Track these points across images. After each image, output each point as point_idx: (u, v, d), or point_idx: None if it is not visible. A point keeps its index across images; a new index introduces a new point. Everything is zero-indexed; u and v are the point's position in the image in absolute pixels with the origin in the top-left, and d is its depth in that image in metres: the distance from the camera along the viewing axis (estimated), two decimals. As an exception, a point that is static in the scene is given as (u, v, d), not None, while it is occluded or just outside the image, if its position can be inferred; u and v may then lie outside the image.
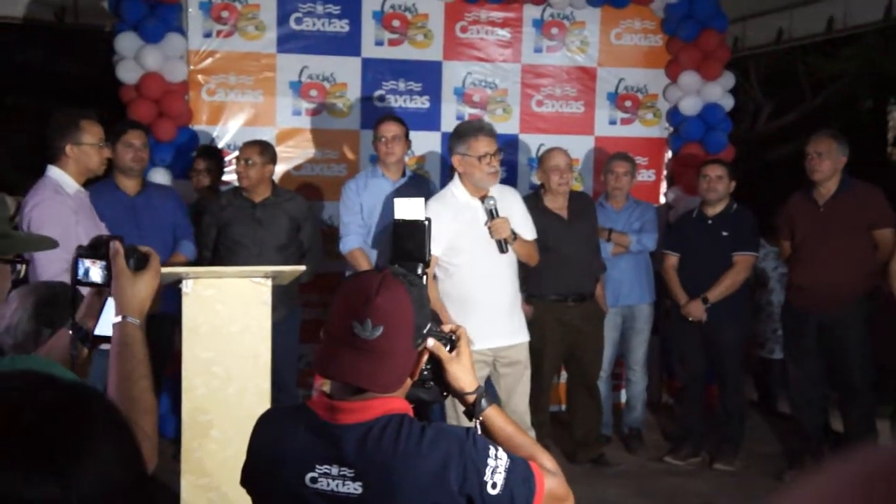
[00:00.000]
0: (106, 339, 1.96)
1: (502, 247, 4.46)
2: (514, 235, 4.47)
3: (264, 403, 3.70)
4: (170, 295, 3.88)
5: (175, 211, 5.15)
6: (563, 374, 5.94)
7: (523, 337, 4.67)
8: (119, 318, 1.89)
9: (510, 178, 6.27)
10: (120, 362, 1.84)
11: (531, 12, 6.45)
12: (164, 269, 3.66)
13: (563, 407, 6.04)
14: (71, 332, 1.98)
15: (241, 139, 5.94)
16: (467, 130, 4.51)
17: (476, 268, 4.49)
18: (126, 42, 5.70)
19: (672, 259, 5.69)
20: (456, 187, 4.53)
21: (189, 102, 5.98)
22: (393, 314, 1.72)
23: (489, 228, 4.44)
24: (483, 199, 4.46)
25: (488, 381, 4.59)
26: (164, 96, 5.76)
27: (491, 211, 4.44)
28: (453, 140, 4.52)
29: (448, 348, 1.86)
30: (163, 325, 4.74)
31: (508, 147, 6.35)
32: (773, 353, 6.58)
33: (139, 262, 1.94)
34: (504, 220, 4.43)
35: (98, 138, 4.08)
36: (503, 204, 4.50)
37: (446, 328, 1.89)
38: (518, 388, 4.62)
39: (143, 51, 5.67)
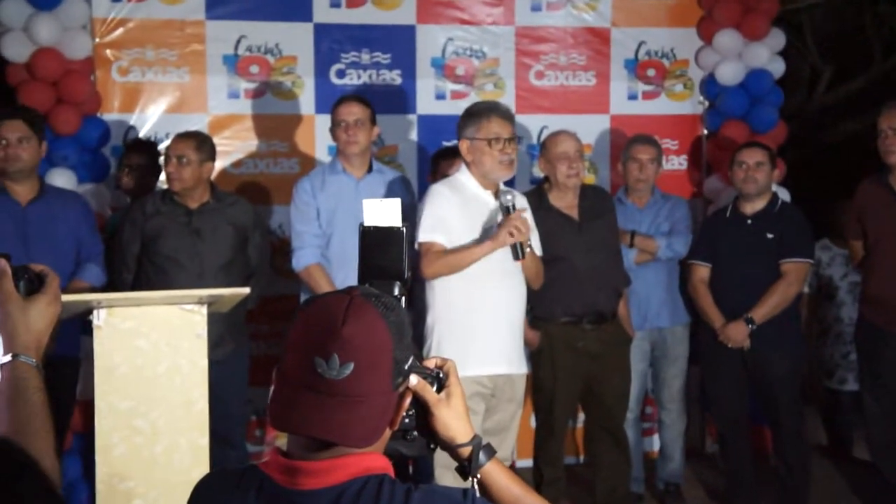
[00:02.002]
0: None
1: (518, 252, 4.55)
2: (530, 242, 4.61)
3: (202, 465, 3.69)
4: (67, 332, 3.86)
5: (79, 224, 5.10)
6: (581, 417, 5.95)
7: (525, 368, 4.86)
8: (7, 358, 1.87)
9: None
10: (11, 413, 1.83)
11: (526, -40, 6.50)
12: (69, 296, 3.67)
13: (582, 458, 6.04)
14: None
15: (165, 129, 5.96)
16: (479, 111, 4.74)
17: (481, 276, 4.57)
18: (12, 9, 5.69)
19: (702, 271, 5.69)
20: (465, 177, 4.72)
21: (96, 84, 5.97)
22: (365, 347, 1.71)
23: (508, 227, 4.50)
24: (497, 193, 4.61)
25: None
26: (64, 77, 5.75)
27: (507, 208, 4.55)
28: (462, 122, 4.74)
29: (435, 387, 1.85)
30: (62, 371, 4.71)
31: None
32: (846, 384, 6.61)
33: (31, 285, 1.93)
34: (524, 219, 4.55)
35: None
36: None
37: (431, 363, 1.89)
38: (510, 430, 4.80)
39: (35, 20, 5.66)
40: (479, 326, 4.61)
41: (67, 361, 4.75)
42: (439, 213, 4.65)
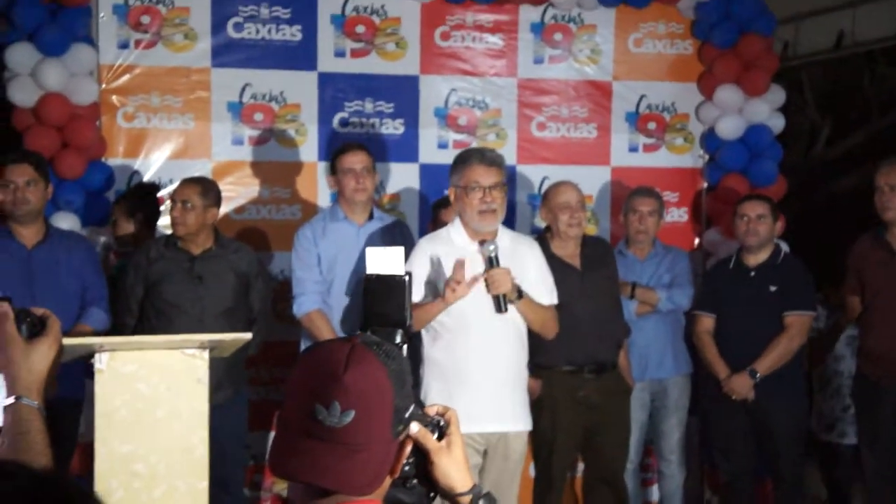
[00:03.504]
0: None
1: (500, 305, 4.50)
2: (520, 293, 4.52)
3: (200, 510, 3.67)
4: (71, 374, 3.86)
5: (84, 267, 5.12)
6: (580, 467, 5.92)
7: (525, 425, 4.73)
8: (11, 400, 1.88)
9: (509, 221, 6.30)
10: (13, 456, 1.82)
11: (529, 14, 6.57)
12: (71, 340, 3.68)
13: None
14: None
15: (168, 175, 6.00)
16: (463, 157, 4.70)
17: (469, 331, 4.54)
18: (20, 55, 5.74)
19: (707, 321, 5.71)
20: (454, 228, 4.67)
21: (101, 130, 6.01)
22: (366, 395, 1.71)
23: (485, 280, 4.47)
24: (482, 243, 4.52)
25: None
26: (70, 122, 5.79)
27: (490, 259, 4.49)
28: (451, 169, 4.73)
29: (435, 435, 1.85)
30: (64, 413, 4.71)
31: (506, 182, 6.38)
32: (845, 438, 6.58)
33: (34, 328, 1.94)
34: (504, 270, 4.47)
35: (-17, 177, 4.08)
36: (514, 256, 4.58)
37: (432, 410, 1.89)
38: (510, 490, 4.69)
39: (43, 66, 5.70)
40: (467, 381, 4.53)
41: (70, 403, 4.74)
42: (413, 268, 4.56)
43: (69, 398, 4.34)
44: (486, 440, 4.59)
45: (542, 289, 4.73)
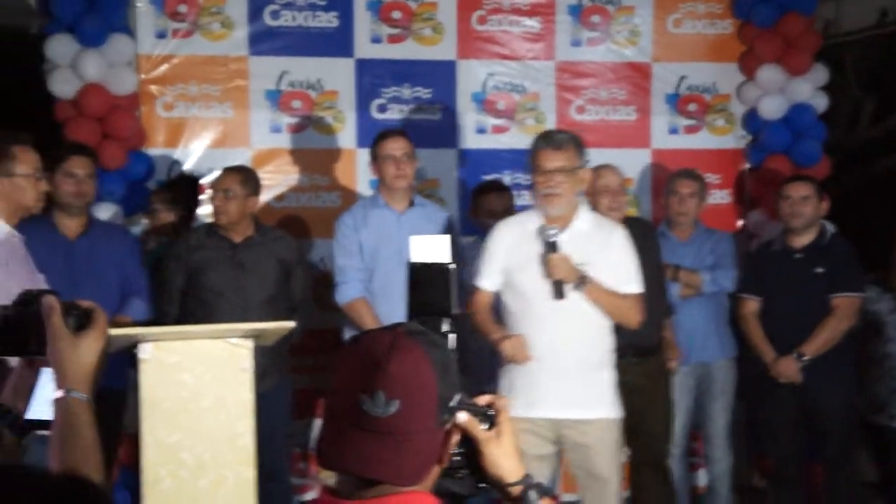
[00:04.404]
0: (42, 424, 1.94)
1: (557, 291, 4.43)
2: (583, 279, 4.41)
3: (248, 499, 3.69)
4: (114, 364, 3.88)
5: (126, 258, 5.16)
6: (625, 451, 5.89)
7: (602, 413, 4.56)
8: (61, 393, 1.87)
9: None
10: (64, 451, 1.83)
11: (566, -4, 6.51)
12: (116, 331, 3.69)
13: (627, 492, 5.98)
14: (-6, 418, 1.97)
15: (207, 164, 6.01)
16: (534, 140, 4.64)
17: (532, 316, 4.50)
18: (60, 46, 5.77)
19: (752, 304, 5.66)
20: (533, 212, 4.61)
21: (141, 120, 6.03)
22: (410, 384, 1.70)
23: (544, 266, 4.44)
24: (542, 228, 4.46)
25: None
26: (110, 113, 5.82)
27: (549, 243, 4.42)
28: None
29: (485, 425, 1.84)
30: (108, 403, 4.72)
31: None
32: (895, 421, 6.50)
33: (80, 321, 1.94)
34: (561, 256, 4.39)
35: (34, 168, 4.11)
36: (591, 241, 4.49)
37: (482, 400, 1.87)
38: (602, 481, 4.55)
39: (82, 57, 5.73)
40: (529, 366, 4.49)
41: (113, 393, 4.77)
42: (488, 254, 4.63)
43: (112, 388, 4.35)
44: (554, 427, 4.51)
45: (621, 276, 4.55)
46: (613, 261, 4.54)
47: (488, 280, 4.63)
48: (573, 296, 4.43)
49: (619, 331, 5.13)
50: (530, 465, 4.40)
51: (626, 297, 4.55)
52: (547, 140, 4.56)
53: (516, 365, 4.52)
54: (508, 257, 4.56)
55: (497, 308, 4.67)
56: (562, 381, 4.47)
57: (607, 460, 4.55)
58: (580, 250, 4.45)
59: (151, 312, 5.17)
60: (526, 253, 4.50)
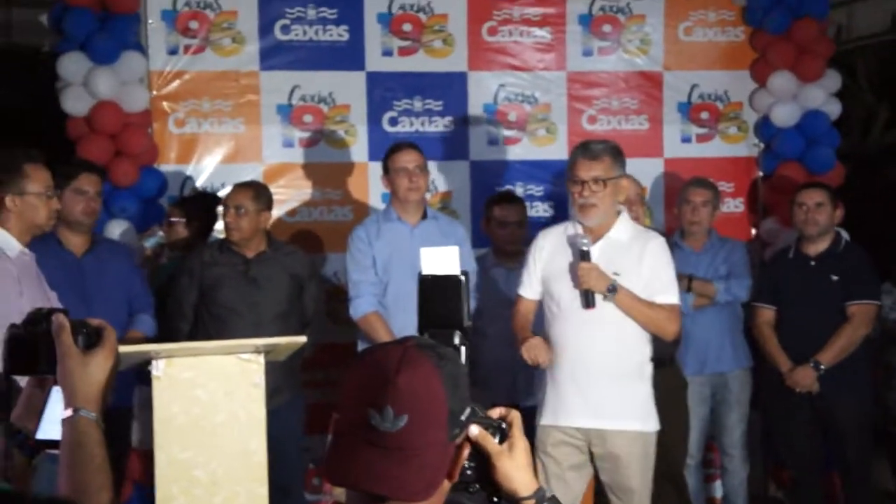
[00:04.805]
0: (51, 443, 1.93)
1: (587, 300, 4.41)
2: (612, 289, 4.38)
3: (260, 515, 3.67)
4: (122, 383, 3.88)
5: (130, 275, 5.17)
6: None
7: (633, 425, 4.51)
8: (70, 413, 1.86)
9: (561, 214, 6.26)
10: (73, 470, 1.82)
11: (576, 6, 6.52)
12: (128, 348, 3.68)
13: None
14: (4, 437, 1.96)
15: (220, 179, 6.02)
16: (572, 150, 4.66)
17: (563, 323, 4.51)
18: (72, 64, 5.78)
19: (767, 313, 5.64)
20: (572, 221, 4.61)
21: (153, 136, 6.03)
22: (420, 398, 1.68)
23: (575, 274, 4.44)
24: (574, 237, 4.47)
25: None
26: (122, 130, 5.82)
27: (581, 252, 4.41)
28: None
29: (497, 438, 1.82)
30: (115, 422, 4.72)
31: (556, 177, 6.33)
32: (912, 430, 6.47)
33: (90, 340, 1.93)
34: (591, 266, 4.38)
35: (46, 186, 4.12)
36: (628, 252, 4.47)
37: (495, 413, 1.85)
38: (633, 493, 4.52)
39: (94, 74, 5.74)
40: (558, 374, 4.50)
41: (120, 412, 4.77)
42: (528, 263, 4.66)
43: (118, 406, 4.36)
44: (585, 436, 4.50)
45: (656, 286, 4.50)
46: (648, 270, 4.50)
47: (529, 289, 4.66)
48: (605, 305, 4.42)
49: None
50: (567, 475, 4.47)
51: (661, 308, 4.50)
52: (584, 150, 4.55)
53: (535, 367, 4.55)
54: (547, 266, 4.58)
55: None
56: (591, 390, 4.46)
57: (636, 473, 4.52)
58: (614, 260, 4.44)
59: (158, 327, 5.18)
60: (561, 262, 4.52)
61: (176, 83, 6.11)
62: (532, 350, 4.49)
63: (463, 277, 2.15)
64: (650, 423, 4.55)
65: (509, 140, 6.47)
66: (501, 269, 5.73)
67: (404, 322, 4.98)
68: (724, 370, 5.78)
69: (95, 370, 1.91)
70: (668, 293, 4.52)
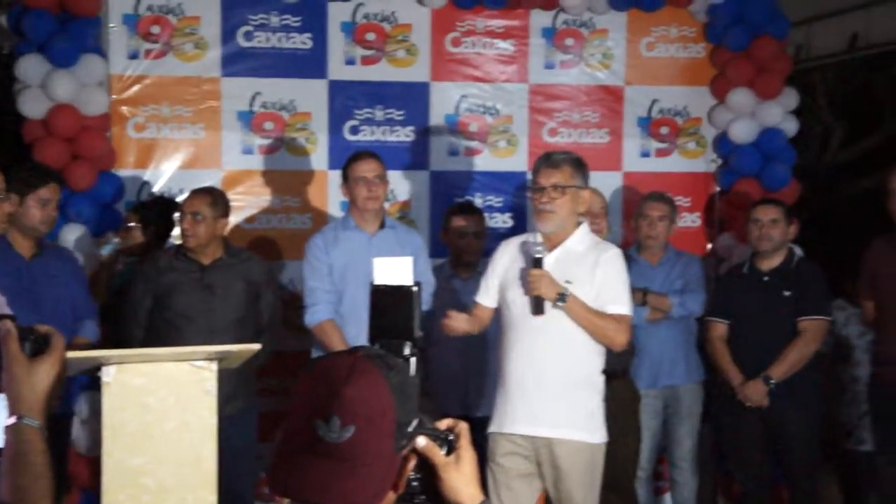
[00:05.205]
0: None
1: (536, 307, 4.39)
2: (562, 297, 4.35)
3: (209, 523, 3.63)
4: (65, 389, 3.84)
5: (75, 280, 5.11)
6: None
7: (580, 435, 4.46)
8: (12, 420, 1.86)
9: (521, 226, 6.27)
10: (14, 477, 1.81)
11: (540, 19, 6.53)
12: (78, 354, 3.64)
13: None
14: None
15: (179, 185, 5.98)
16: (537, 160, 4.67)
17: (512, 331, 4.52)
18: (30, 66, 5.72)
19: (720, 328, 5.67)
20: (535, 231, 4.60)
21: (111, 141, 5.99)
22: (367, 409, 1.68)
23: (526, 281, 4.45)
24: (527, 244, 4.48)
25: None
26: (80, 134, 5.77)
27: (533, 259, 4.39)
28: None
29: (444, 450, 1.81)
30: (56, 429, 4.66)
31: (516, 188, 6.35)
32: (863, 445, 6.50)
33: (37, 346, 1.92)
34: (541, 272, 4.35)
35: (-1, 188, 4.06)
36: (582, 261, 4.46)
37: (443, 424, 1.84)
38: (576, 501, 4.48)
39: (53, 77, 5.68)
40: (507, 381, 4.50)
41: (60, 418, 4.72)
42: (488, 270, 4.70)
43: (60, 413, 4.31)
44: (532, 445, 4.48)
45: (607, 295, 4.46)
46: (600, 280, 4.47)
47: (485, 296, 4.67)
48: (556, 314, 4.40)
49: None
50: (514, 484, 4.45)
51: (611, 318, 4.45)
52: (546, 159, 4.58)
53: (448, 331, 4.60)
54: (505, 274, 4.59)
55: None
56: (537, 398, 4.44)
57: (579, 484, 4.47)
58: (567, 269, 4.44)
59: (100, 334, 5.14)
60: (517, 270, 4.53)
61: (136, 87, 6.07)
62: (451, 320, 4.54)
63: (415, 288, 2.15)
64: (597, 434, 4.51)
65: (470, 151, 6.48)
66: (458, 280, 5.73)
67: (360, 331, 4.95)
68: (677, 384, 5.81)
69: (41, 378, 1.90)
70: (618, 304, 4.49)
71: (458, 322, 4.56)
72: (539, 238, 4.47)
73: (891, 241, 5.33)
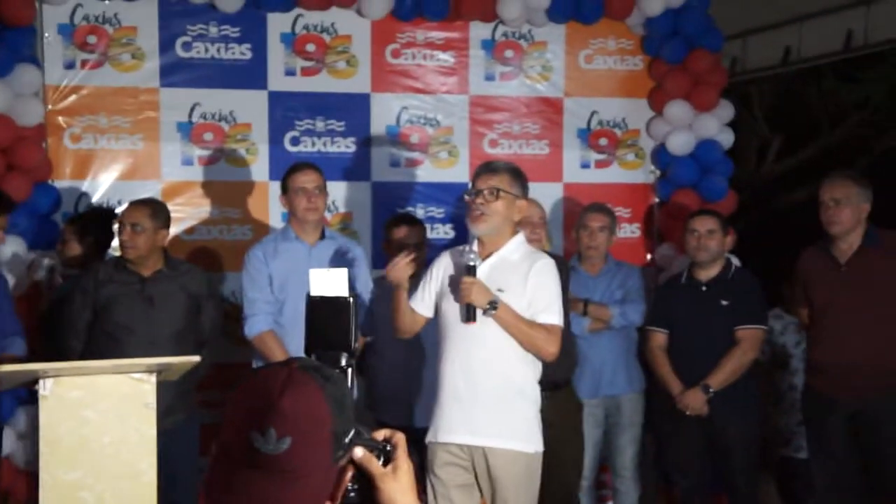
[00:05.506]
0: None
1: (467, 314, 4.37)
2: (493, 305, 4.33)
3: (148, 538, 3.60)
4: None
5: (2, 295, 5.06)
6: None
7: (515, 444, 4.42)
8: None
9: (462, 237, 6.28)
10: None
11: (480, 31, 6.56)
12: (13, 367, 3.60)
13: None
14: None
15: (116, 196, 5.94)
16: (476, 169, 4.69)
17: (446, 339, 4.51)
18: (-36, 76, 5.63)
19: (660, 337, 5.72)
20: (472, 240, 4.60)
21: (48, 151, 5.92)
22: (303, 420, 1.66)
23: (395, 269, 4.50)
24: (462, 251, 4.48)
25: None
26: (15, 144, 5.69)
27: (466, 266, 4.39)
28: None
29: (381, 461, 1.81)
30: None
31: (457, 199, 6.36)
32: (801, 452, 6.58)
33: None
34: (474, 280, 4.34)
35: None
36: (515, 270, 4.45)
37: (379, 435, 1.84)
38: None
39: (-13, 87, 5.60)
40: (441, 390, 4.49)
41: None
42: (425, 279, 4.67)
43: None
44: (469, 455, 4.45)
45: (539, 305, 4.43)
46: (532, 289, 4.45)
47: (420, 303, 4.63)
48: (489, 323, 4.37)
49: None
50: (452, 494, 4.44)
51: (541, 327, 4.42)
52: (485, 166, 4.62)
53: (392, 280, 4.60)
54: (441, 283, 4.58)
55: None
56: (472, 407, 4.42)
57: (516, 494, 4.44)
58: (500, 277, 4.42)
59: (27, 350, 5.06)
60: (452, 278, 4.52)
61: (72, 98, 6.01)
62: (393, 267, 4.57)
63: (351, 299, 2.15)
64: (532, 443, 4.47)
65: (411, 162, 6.49)
66: (400, 291, 5.71)
67: (300, 342, 4.91)
68: (618, 393, 5.85)
69: None
70: (549, 313, 4.46)
71: (401, 270, 4.54)
72: (475, 247, 4.49)
73: (823, 251, 5.39)
